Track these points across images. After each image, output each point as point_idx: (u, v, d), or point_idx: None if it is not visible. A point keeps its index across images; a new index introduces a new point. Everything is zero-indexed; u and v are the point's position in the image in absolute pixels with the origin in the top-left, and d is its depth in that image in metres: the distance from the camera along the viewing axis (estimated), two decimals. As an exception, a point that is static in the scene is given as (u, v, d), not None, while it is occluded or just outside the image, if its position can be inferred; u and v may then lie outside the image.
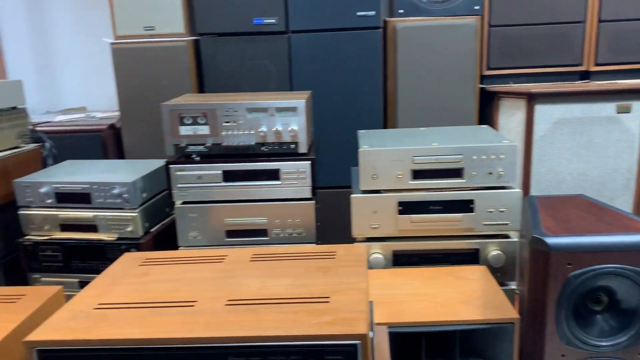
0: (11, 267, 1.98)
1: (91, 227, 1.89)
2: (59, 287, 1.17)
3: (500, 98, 2.55)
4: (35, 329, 0.82)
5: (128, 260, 1.08)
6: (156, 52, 2.45)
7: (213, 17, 2.43)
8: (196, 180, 1.81)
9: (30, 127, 2.24)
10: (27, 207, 1.94)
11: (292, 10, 2.41)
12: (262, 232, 1.85)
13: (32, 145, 2.19)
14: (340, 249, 1.08)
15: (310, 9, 2.39)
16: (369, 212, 1.66)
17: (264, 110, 1.80)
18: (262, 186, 1.82)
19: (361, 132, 1.94)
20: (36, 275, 1.96)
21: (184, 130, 1.81)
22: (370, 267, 1.65)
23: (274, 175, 1.83)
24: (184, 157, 1.83)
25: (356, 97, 2.46)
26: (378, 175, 1.65)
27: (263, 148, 1.82)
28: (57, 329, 0.80)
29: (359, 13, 2.39)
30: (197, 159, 1.82)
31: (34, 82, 3.19)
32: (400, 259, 1.68)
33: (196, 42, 2.50)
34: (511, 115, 2.51)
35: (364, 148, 1.65)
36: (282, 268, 1.01)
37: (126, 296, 0.91)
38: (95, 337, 0.77)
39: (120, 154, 2.60)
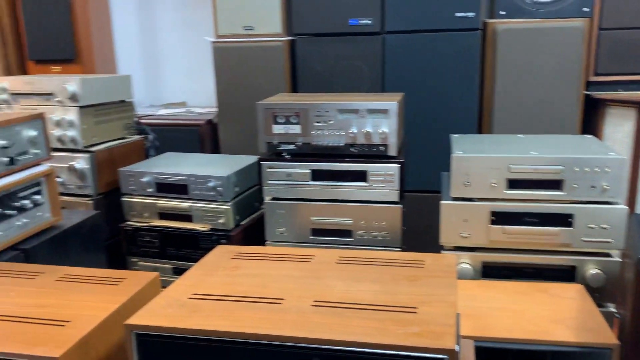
0: (113, 249, 2.12)
1: (186, 217, 1.99)
2: (156, 273, 1.24)
3: (607, 106, 2.38)
4: (134, 312, 0.88)
5: (221, 253, 1.12)
6: (254, 52, 2.53)
7: (309, 17, 2.47)
8: (286, 177, 1.85)
9: (136, 119, 2.40)
10: (130, 194, 2.07)
11: (388, 11, 2.39)
12: (346, 233, 1.86)
13: (136, 137, 2.34)
14: (428, 257, 1.06)
15: (407, 9, 2.36)
16: (459, 220, 1.62)
17: (355, 111, 1.80)
18: (349, 187, 1.83)
19: (455, 137, 1.89)
20: (134, 259, 2.09)
21: (277, 129, 1.85)
22: (457, 277, 1.60)
23: (361, 176, 1.83)
24: (275, 154, 1.88)
25: (450, 100, 2.40)
26: (471, 182, 1.60)
27: (352, 149, 1.82)
28: (154, 315, 0.85)
29: (457, 14, 2.32)
30: (288, 157, 1.86)
31: (141, 77, 3.40)
32: (490, 271, 1.62)
33: (292, 42, 2.55)
34: (618, 126, 2.33)
35: (457, 153, 1.60)
36: (369, 273, 1.00)
37: (218, 288, 0.95)
38: (188, 326, 0.81)
39: (216, 149, 2.71)
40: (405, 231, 1.90)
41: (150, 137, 2.41)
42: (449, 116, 2.41)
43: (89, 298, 1.13)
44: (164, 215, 2.02)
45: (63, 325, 1.01)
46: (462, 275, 1.61)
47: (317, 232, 1.88)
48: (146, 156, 2.38)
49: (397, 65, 2.42)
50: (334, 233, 1.87)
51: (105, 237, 2.12)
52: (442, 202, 1.63)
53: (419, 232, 2.20)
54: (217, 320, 0.83)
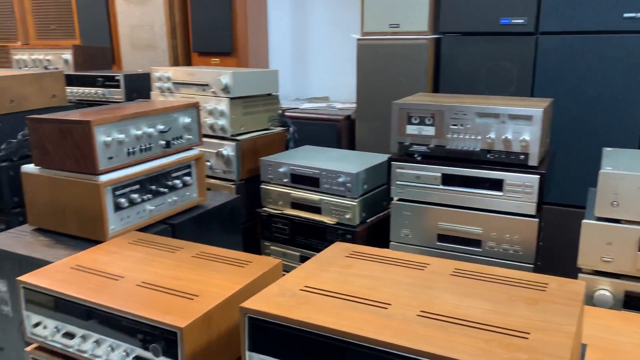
0: (249, 232, 2.27)
1: (316, 209, 2.06)
2: (279, 260, 1.30)
3: None
4: (253, 295, 0.94)
5: (338, 249, 1.15)
6: (397, 49, 2.52)
7: (458, 16, 2.39)
8: (415, 179, 1.83)
9: (280, 112, 2.53)
10: (268, 182, 2.20)
11: (545, 10, 2.23)
12: (475, 243, 1.79)
13: (278, 129, 2.47)
14: (553, 281, 0.98)
15: (567, 9, 2.18)
16: (602, 243, 1.47)
17: (495, 116, 1.71)
18: (482, 195, 1.75)
19: (607, 150, 1.71)
20: (267, 243, 2.22)
21: (410, 129, 1.83)
22: (593, 305, 1.46)
23: (496, 185, 1.74)
24: (406, 155, 1.86)
25: (609, 110, 2.17)
26: (619, 202, 1.44)
27: (488, 156, 1.74)
28: (266, 302, 0.90)
29: (626, 15, 2.09)
30: (419, 158, 1.84)
31: (289, 71, 3.58)
32: (634, 302, 1.45)
33: (437, 40, 2.49)
34: None
35: (606, 169, 1.45)
36: (483, 290, 0.96)
37: (329, 284, 0.98)
38: (295, 317, 0.85)
39: (352, 145, 2.76)
40: (541, 247, 1.78)
41: (291, 129, 2.53)
42: (605, 127, 2.18)
43: (217, 276, 1.23)
44: (296, 205, 2.11)
45: (192, 299, 1.11)
46: (599, 303, 1.47)
47: (443, 238, 1.83)
48: (286, 147, 2.51)
49: (549, 68, 2.25)
50: (461, 241, 1.81)
51: (242, 219, 2.28)
52: (585, 221, 1.50)
53: (557, 250, 2.04)
54: (323, 315, 0.85)
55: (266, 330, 0.88)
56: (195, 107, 1.89)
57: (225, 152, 2.23)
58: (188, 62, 3.29)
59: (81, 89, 2.68)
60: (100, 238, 1.57)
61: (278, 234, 2.16)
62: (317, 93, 3.50)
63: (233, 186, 2.26)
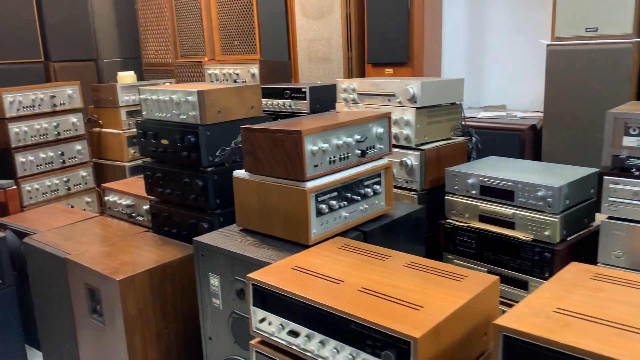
0: (430, 243, 2.24)
1: (508, 224, 1.96)
2: (496, 277, 1.25)
3: None
4: (477, 310, 0.90)
5: (577, 270, 1.07)
6: (595, 55, 2.33)
7: (671, 14, 2.15)
8: (632, 196, 1.66)
9: (462, 121, 2.46)
10: (453, 193, 2.15)
11: None
12: None
13: (461, 138, 2.41)
14: None
15: None
16: None
17: None
18: None
19: None
20: (450, 256, 2.17)
21: (628, 141, 1.67)
22: None
23: None
24: (621, 169, 1.70)
25: None
26: None
27: None
28: (522, 321, 0.86)
29: None
30: (637, 173, 1.66)
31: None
32: None
33: (644, 43, 2.26)
34: None
35: None
36: None
37: (583, 307, 0.91)
38: (562, 340, 0.80)
39: (537, 156, 2.60)
40: None
41: (474, 139, 2.46)
42: None
43: (435, 288, 1.21)
44: (485, 218, 2.04)
45: (417, 309, 1.11)
46: None
47: (663, 262, 1.64)
48: (468, 158, 2.44)
49: None
50: (686, 267, 1.60)
51: (426, 230, 2.25)
52: None
53: None
54: (593, 341, 0.79)
55: (524, 351, 0.84)
56: (387, 117, 1.91)
57: (409, 162, 2.22)
58: (361, 74, 3.36)
59: (270, 100, 2.86)
60: (304, 241, 1.64)
61: (463, 248, 2.10)
62: (492, 101, 3.37)
63: (415, 196, 2.24)
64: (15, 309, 2.52)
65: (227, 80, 3.33)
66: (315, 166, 1.65)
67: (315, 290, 1.21)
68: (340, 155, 1.73)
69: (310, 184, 1.62)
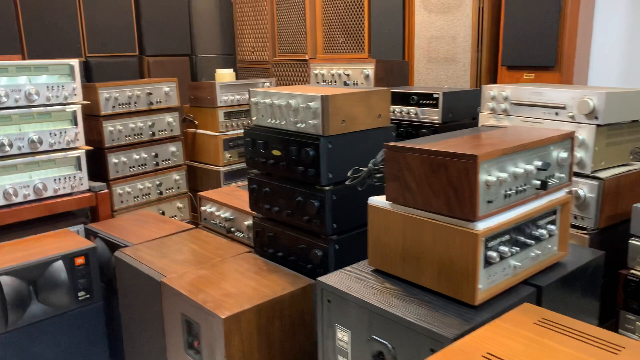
0: (603, 295, 1.77)
1: None
2: None
3: None
4: None
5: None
6: None
7: None
8: None
9: (640, 142, 1.97)
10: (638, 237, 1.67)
11: None
12: None
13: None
14: None
15: None
16: None
17: None
18: None
19: None
20: (629, 316, 1.70)
21: None
22: None
23: None
24: None
25: None
26: None
27: None
28: None
29: None
30: None
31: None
32: None
33: None
34: None
35: None
36: None
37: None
38: None
39: None
40: None
41: (657, 166, 1.95)
42: None
43: None
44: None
45: None
46: None
47: None
48: (648, 189, 1.94)
49: None
50: None
51: (600, 281, 1.79)
52: None
53: None
54: None
55: None
56: (571, 138, 1.48)
57: (581, 193, 1.76)
58: (493, 78, 2.90)
59: (391, 107, 2.47)
60: (467, 299, 1.25)
61: (652, 308, 1.62)
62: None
63: (586, 236, 1.78)
64: (102, 326, 2.31)
65: (335, 81, 2.98)
66: (489, 202, 1.25)
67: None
68: (518, 187, 1.33)
69: (482, 225, 1.22)
